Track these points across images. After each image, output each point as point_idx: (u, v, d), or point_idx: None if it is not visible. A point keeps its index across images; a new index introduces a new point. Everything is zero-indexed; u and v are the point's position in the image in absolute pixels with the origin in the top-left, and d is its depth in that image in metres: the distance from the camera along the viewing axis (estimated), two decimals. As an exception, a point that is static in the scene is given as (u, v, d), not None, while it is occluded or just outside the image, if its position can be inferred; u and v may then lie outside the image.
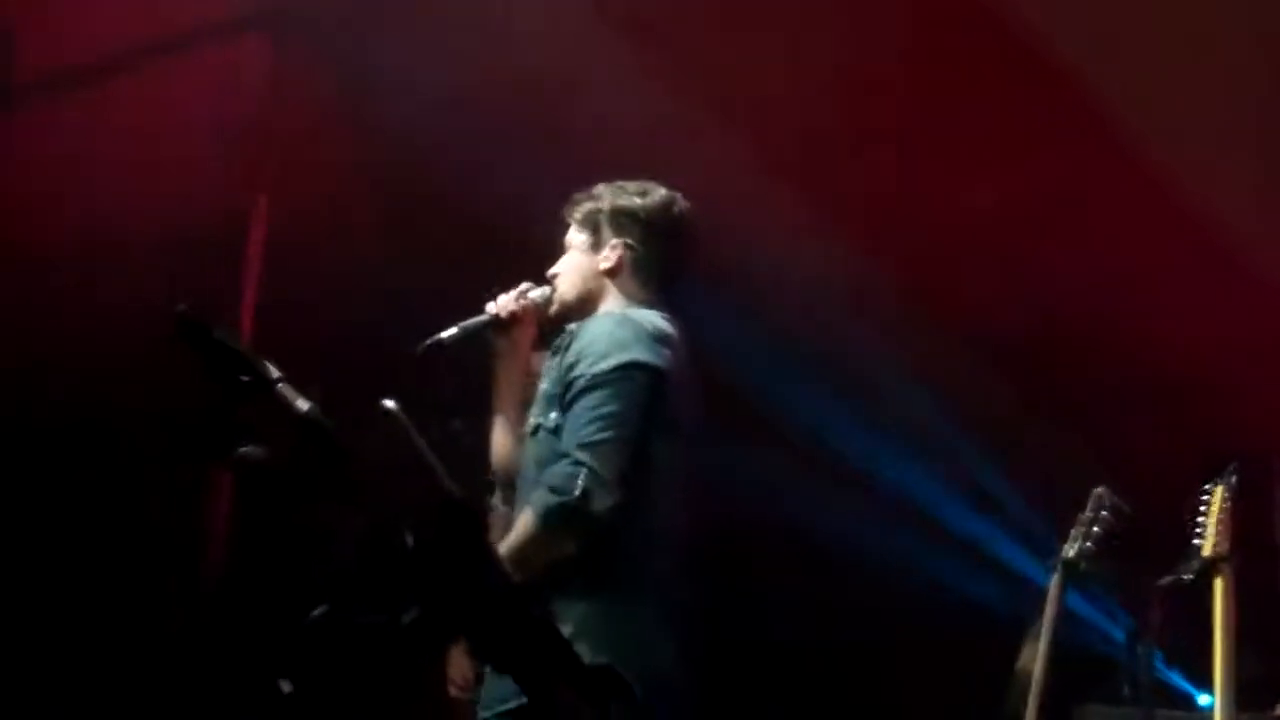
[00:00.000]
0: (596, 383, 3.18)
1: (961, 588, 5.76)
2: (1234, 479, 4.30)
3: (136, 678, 5.61)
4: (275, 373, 2.29)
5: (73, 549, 5.81)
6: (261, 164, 5.91)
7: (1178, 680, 5.22)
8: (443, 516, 2.21)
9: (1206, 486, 4.32)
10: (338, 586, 2.31)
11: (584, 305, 3.43)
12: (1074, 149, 5.53)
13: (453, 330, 3.36)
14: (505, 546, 3.10)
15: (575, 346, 3.28)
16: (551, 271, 3.51)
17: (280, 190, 5.89)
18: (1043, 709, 4.37)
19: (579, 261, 3.45)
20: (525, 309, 3.43)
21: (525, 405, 3.41)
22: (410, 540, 2.32)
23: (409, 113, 5.58)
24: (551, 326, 3.48)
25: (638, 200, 3.45)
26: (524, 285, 3.46)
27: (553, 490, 3.10)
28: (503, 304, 3.42)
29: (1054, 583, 4.44)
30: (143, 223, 5.83)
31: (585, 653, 2.75)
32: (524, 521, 3.12)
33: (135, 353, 5.72)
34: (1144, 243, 5.65)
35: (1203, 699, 4.75)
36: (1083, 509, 4.49)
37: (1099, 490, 4.53)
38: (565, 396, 3.23)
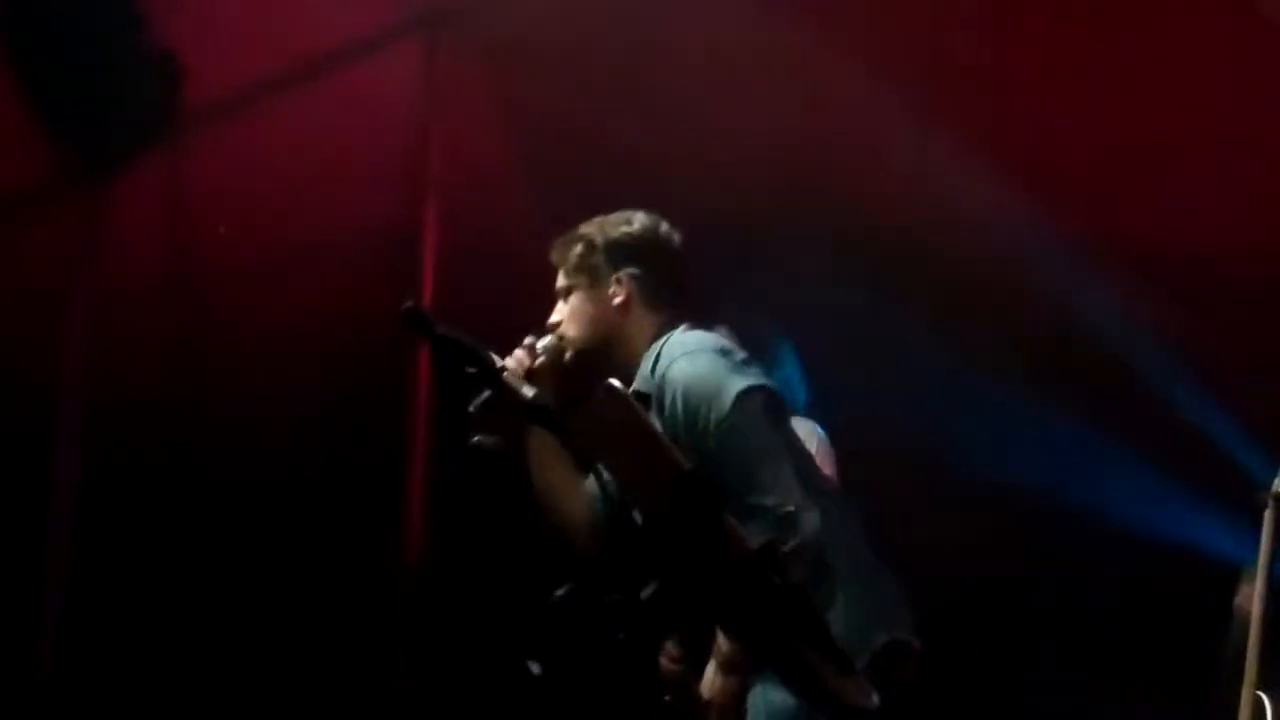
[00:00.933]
0: (726, 428, 3.17)
1: (1174, 530, 5.66)
2: None
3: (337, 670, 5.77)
4: (500, 361, 2.34)
5: (273, 547, 5.97)
6: (426, 166, 5.98)
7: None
8: (681, 490, 2.23)
9: None
10: (576, 566, 2.35)
11: (604, 345, 3.38)
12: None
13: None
14: None
15: (675, 407, 3.22)
16: (553, 320, 3.43)
17: (448, 191, 5.96)
18: (1265, 648, 4.29)
19: (584, 305, 3.40)
20: (531, 360, 3.26)
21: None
22: (639, 517, 2.35)
23: (570, 101, 5.62)
24: (575, 373, 3.34)
25: (627, 229, 3.44)
26: (527, 340, 3.34)
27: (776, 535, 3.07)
28: (514, 368, 3.17)
29: (1268, 517, 4.34)
30: (319, 234, 5.96)
31: None
32: None
33: (330, 355, 5.90)
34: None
35: None
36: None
37: (1309, 419, 4.42)
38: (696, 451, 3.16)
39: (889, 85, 5.30)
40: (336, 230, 5.98)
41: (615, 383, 2.26)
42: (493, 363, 2.32)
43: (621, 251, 3.40)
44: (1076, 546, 5.81)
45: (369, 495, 5.87)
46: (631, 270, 3.40)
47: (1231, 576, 4.53)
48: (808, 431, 4.64)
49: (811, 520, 3.10)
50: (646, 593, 2.31)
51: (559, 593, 2.32)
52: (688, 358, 3.27)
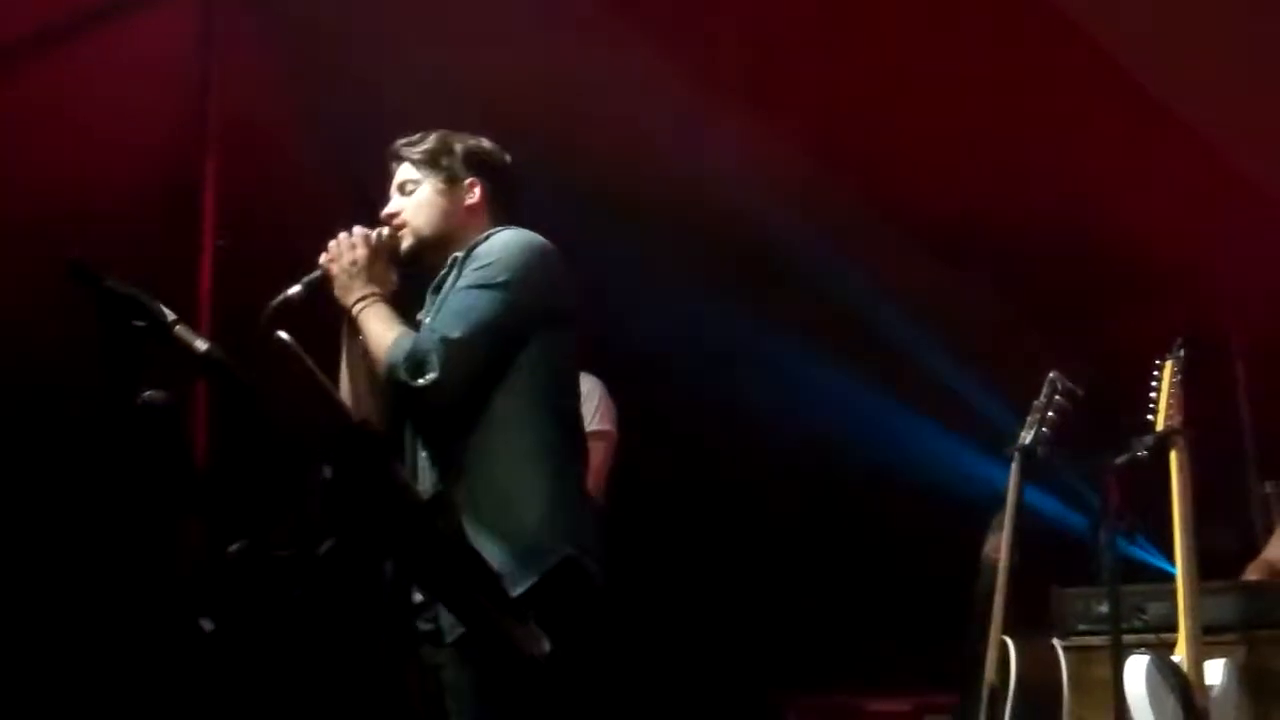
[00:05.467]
0: (486, 288, 3.22)
1: (930, 484, 5.80)
2: (1181, 353, 4.33)
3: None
4: (170, 315, 2.30)
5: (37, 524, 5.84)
6: (204, 122, 5.88)
7: (1150, 557, 5.26)
8: (348, 442, 2.22)
9: (1157, 363, 4.35)
10: (256, 522, 2.32)
11: (442, 242, 3.43)
12: (1034, 40, 5.49)
13: (297, 287, 3.29)
14: (376, 325, 3.23)
15: (474, 250, 3.31)
16: (389, 211, 3.46)
17: (227, 145, 5.87)
18: (1011, 595, 4.42)
19: (437, 199, 3.45)
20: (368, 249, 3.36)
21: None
22: (328, 471, 2.34)
23: (350, 55, 5.57)
24: (404, 266, 3.44)
25: (483, 142, 3.52)
26: (356, 230, 3.39)
27: (412, 353, 3.14)
28: (342, 256, 3.34)
29: (1013, 470, 4.49)
30: (93, 193, 5.82)
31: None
32: (398, 335, 3.18)
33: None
34: (1102, 128, 5.64)
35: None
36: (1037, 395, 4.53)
37: (1052, 375, 4.56)
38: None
39: (660, 49, 5.37)
40: (113, 187, 5.86)
41: (285, 336, 2.25)
42: (163, 315, 2.28)
43: (476, 160, 3.48)
44: (831, 497, 5.94)
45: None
46: (483, 178, 3.46)
47: (981, 526, 4.65)
48: (590, 386, 4.70)
49: (439, 396, 3.10)
50: (324, 548, 2.30)
51: (233, 548, 2.30)
52: (515, 232, 3.35)
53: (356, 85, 5.63)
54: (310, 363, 2.24)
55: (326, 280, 3.35)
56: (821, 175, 5.57)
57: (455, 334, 3.16)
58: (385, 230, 3.41)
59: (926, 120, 5.57)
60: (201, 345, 2.28)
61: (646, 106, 5.40)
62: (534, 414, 3.22)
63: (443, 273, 3.41)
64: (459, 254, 3.38)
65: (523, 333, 3.24)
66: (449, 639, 3.09)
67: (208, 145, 5.90)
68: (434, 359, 3.12)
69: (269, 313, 3.16)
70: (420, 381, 3.11)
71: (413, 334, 3.22)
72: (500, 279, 3.24)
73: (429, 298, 3.43)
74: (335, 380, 3.33)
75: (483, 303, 3.21)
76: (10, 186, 5.73)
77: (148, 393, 2.27)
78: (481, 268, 3.26)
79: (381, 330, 3.22)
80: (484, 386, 3.19)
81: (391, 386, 3.17)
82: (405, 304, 3.47)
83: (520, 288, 3.24)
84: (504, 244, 3.31)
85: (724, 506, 6.05)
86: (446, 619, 3.08)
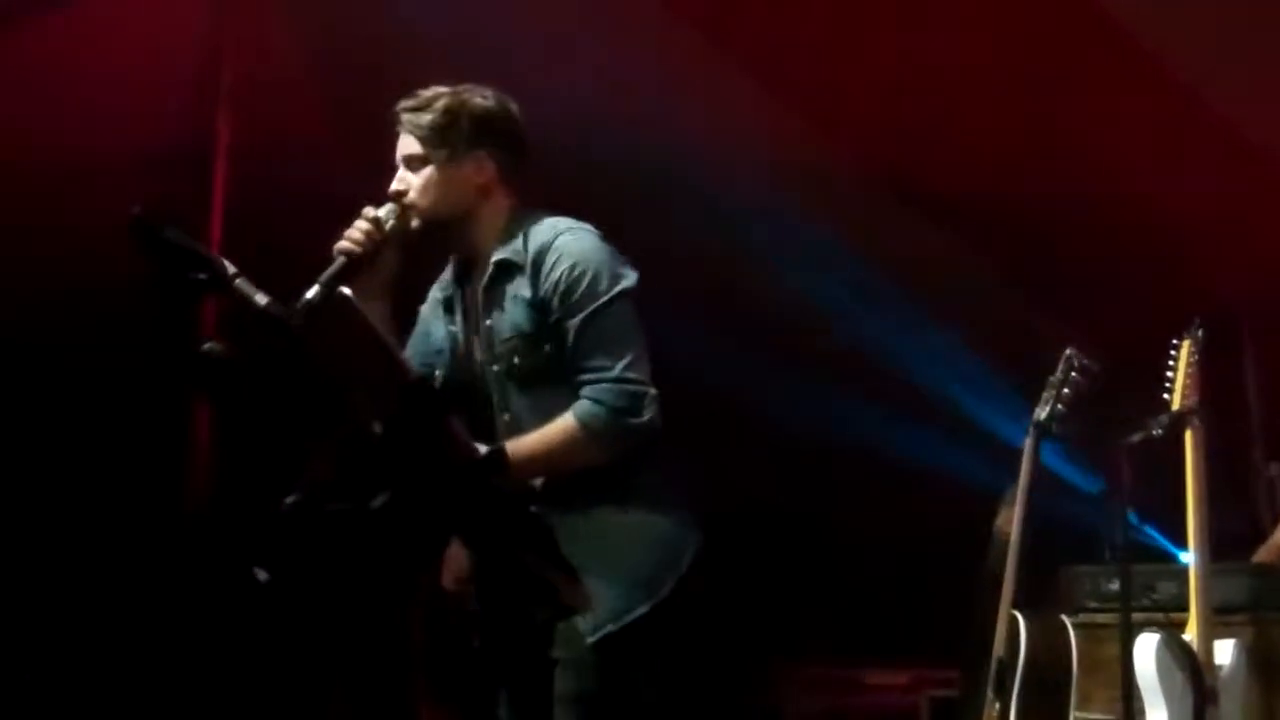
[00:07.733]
0: (603, 308, 3.17)
1: (941, 459, 5.82)
2: (1199, 333, 4.34)
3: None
4: (231, 269, 2.30)
5: (53, 470, 5.83)
6: (218, 80, 5.87)
7: (1156, 537, 5.30)
8: (405, 398, 2.23)
9: (1174, 342, 4.37)
10: (311, 475, 2.33)
11: (453, 222, 3.29)
12: (1051, 14, 5.49)
13: (315, 289, 3.00)
14: (536, 447, 3.07)
15: (555, 271, 3.20)
16: (396, 189, 3.28)
17: (240, 101, 5.86)
18: (1022, 570, 4.45)
19: (442, 181, 3.26)
20: (379, 234, 3.19)
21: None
22: (379, 427, 2.35)
23: (360, 18, 5.56)
24: (418, 238, 3.29)
25: (486, 104, 3.30)
26: (365, 211, 3.23)
27: (615, 409, 3.10)
28: (353, 239, 3.16)
29: (1027, 445, 4.50)
30: (106, 147, 5.81)
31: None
32: (567, 430, 3.09)
33: (109, 274, 5.72)
34: (1114, 103, 5.64)
35: (1184, 556, 4.80)
36: (1054, 371, 4.56)
37: (1069, 351, 4.57)
38: (561, 324, 3.18)
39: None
40: (125, 141, 5.84)
41: (347, 291, 2.25)
42: (224, 269, 2.29)
43: (483, 127, 3.26)
44: (834, 470, 5.95)
45: (154, 420, 5.76)
46: (493, 149, 3.28)
47: (993, 500, 4.68)
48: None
49: (656, 409, 3.11)
50: (377, 502, 2.32)
51: (289, 500, 2.31)
52: (573, 233, 3.23)
53: (368, 45, 5.60)
54: (369, 318, 2.25)
55: (346, 269, 3.12)
56: (829, 148, 5.56)
57: (628, 355, 3.13)
58: (393, 209, 3.23)
59: (942, 96, 5.56)
60: (261, 300, 2.29)
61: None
62: None
63: (490, 274, 3.29)
64: (506, 257, 3.26)
65: None
66: (590, 639, 3.01)
67: (220, 105, 5.91)
68: (630, 388, 3.10)
69: (296, 320, 2.95)
70: (648, 414, 3.10)
71: (574, 401, 3.14)
72: (615, 290, 3.19)
73: (482, 296, 3.30)
74: None
75: (621, 319, 3.18)
76: (26, 146, 5.72)
77: (207, 344, 2.28)
78: (588, 285, 3.18)
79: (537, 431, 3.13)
80: None
81: (615, 439, 3.11)
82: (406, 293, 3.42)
83: (629, 294, 3.21)
84: (581, 250, 3.22)
85: (727, 476, 6.06)
86: (591, 619, 2.98)
